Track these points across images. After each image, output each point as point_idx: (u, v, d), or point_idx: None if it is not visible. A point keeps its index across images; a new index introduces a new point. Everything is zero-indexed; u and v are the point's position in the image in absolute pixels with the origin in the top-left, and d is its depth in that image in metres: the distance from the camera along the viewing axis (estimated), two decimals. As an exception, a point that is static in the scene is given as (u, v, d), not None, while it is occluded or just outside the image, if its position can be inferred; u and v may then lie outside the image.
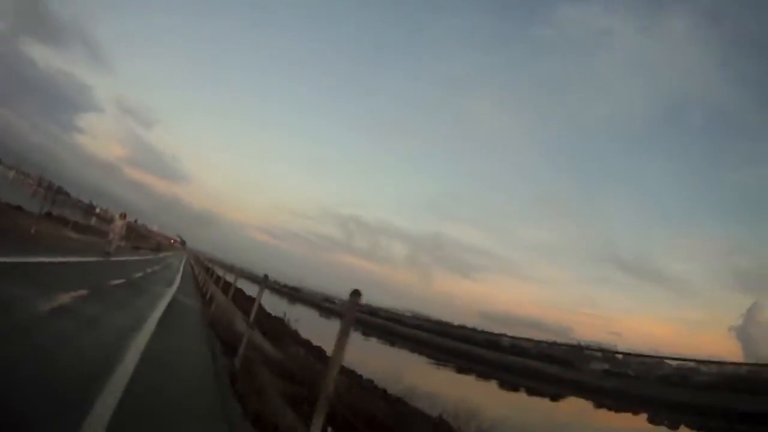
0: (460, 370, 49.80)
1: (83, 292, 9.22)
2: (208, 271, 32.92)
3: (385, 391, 20.97)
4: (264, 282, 10.13)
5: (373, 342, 60.48)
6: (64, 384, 4.02)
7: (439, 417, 13.48)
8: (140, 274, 17.99)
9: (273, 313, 34.73)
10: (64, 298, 8.03)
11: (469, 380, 47.41)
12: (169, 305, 12.76)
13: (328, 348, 26.75)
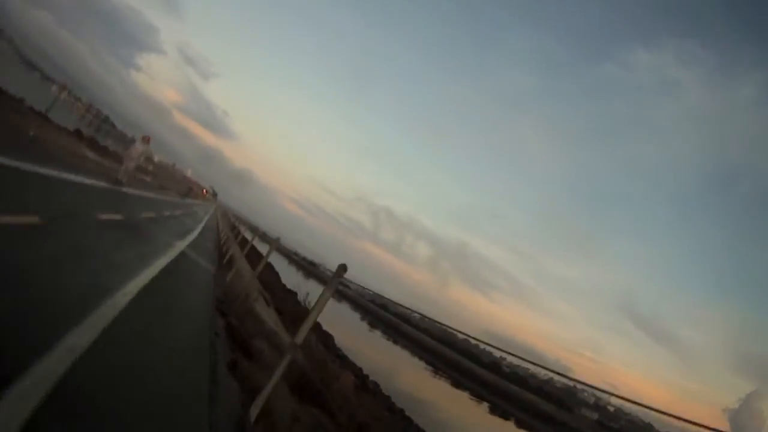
0: (456, 385, 49.91)
1: (46, 217, 6.67)
2: (234, 230, 32.87)
3: (389, 398, 20.92)
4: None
5: (377, 335, 63.14)
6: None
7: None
8: (151, 215, 15.73)
9: (287, 285, 34.66)
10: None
11: (462, 396, 46.85)
12: (173, 264, 10.21)
13: (338, 336, 27.62)
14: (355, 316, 74.30)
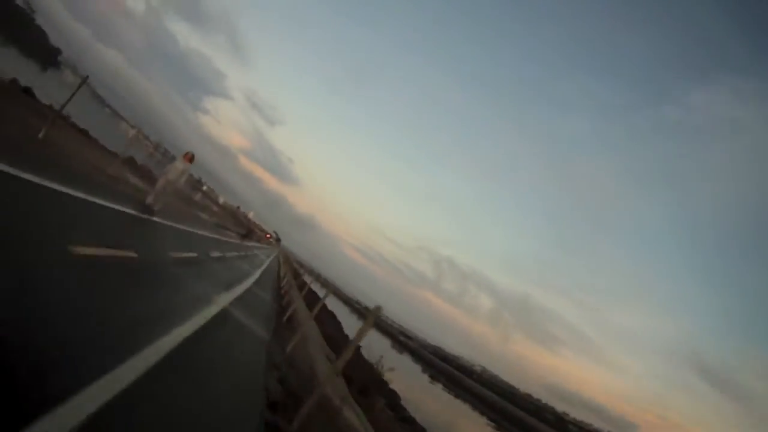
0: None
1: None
2: (297, 277, 29.15)
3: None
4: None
5: (438, 388, 59.34)
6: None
7: None
8: (186, 255, 10.85)
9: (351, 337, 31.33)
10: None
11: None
12: (202, 332, 6.28)
13: (400, 388, 25.47)
14: (416, 369, 70.84)
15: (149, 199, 12.39)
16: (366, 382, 17.25)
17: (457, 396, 64.51)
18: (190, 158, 13.39)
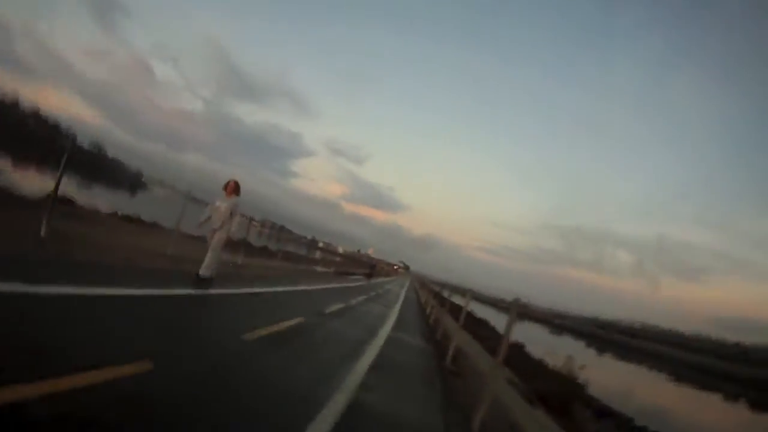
0: (705, 388, 43.66)
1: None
2: (436, 296, 25.05)
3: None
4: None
5: (607, 358, 56.00)
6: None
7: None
8: (291, 322, 7.83)
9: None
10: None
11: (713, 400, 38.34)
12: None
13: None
14: (580, 345, 63.89)
15: (203, 269, 8.49)
16: (556, 394, 12.42)
17: (629, 360, 60.17)
18: (233, 188, 9.05)
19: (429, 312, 20.69)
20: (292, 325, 7.69)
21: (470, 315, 18.98)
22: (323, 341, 7.53)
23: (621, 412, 16.71)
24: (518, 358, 22.33)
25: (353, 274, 37.81)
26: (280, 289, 12.19)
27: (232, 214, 8.76)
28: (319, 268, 27.22)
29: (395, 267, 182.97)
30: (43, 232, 7.48)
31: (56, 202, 8.39)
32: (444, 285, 24.92)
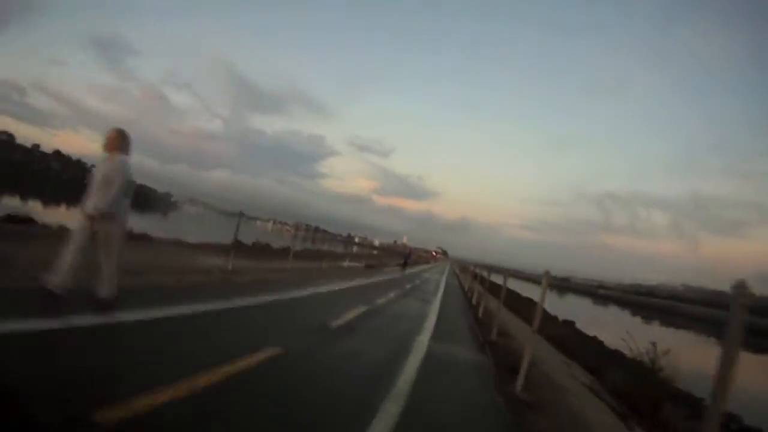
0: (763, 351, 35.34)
1: None
2: (476, 278, 21.66)
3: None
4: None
5: (655, 326, 46.78)
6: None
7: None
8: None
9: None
10: None
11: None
12: None
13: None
14: (626, 315, 60.06)
15: (103, 287, 5.10)
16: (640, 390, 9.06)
17: (676, 327, 53.55)
18: (114, 142, 5.01)
19: (476, 301, 17.20)
20: (254, 365, 4.40)
21: (513, 293, 15.49)
22: (303, 391, 4.17)
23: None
24: (573, 339, 18.77)
25: (387, 265, 34.47)
26: (272, 298, 8.87)
27: (117, 185, 4.83)
28: (347, 263, 24.00)
29: (433, 253, 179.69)
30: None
31: None
32: (484, 266, 21.51)
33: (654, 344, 11.28)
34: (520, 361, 6.27)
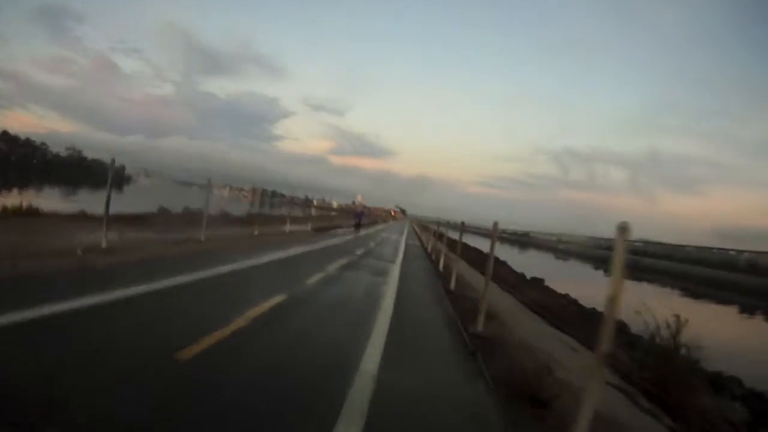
0: (723, 302, 39.41)
1: None
2: (439, 237, 18.45)
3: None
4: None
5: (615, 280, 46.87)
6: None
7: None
8: None
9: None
10: None
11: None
12: None
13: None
14: (587, 269, 60.65)
15: None
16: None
17: (639, 280, 54.29)
18: None
19: (445, 268, 13.79)
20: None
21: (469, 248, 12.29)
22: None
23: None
24: (553, 304, 16.12)
25: (340, 227, 30.64)
26: (124, 293, 5.06)
27: None
28: (288, 228, 20.03)
29: (392, 212, 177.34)
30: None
31: None
32: (442, 224, 18.25)
33: (677, 317, 8.31)
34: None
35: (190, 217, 19.75)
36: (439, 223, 21.22)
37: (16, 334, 3.56)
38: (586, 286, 32.63)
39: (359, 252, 15.30)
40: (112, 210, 9.35)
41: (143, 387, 2.92)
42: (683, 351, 7.57)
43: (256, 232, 16.00)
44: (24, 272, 5.64)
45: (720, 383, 9.44)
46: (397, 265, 13.64)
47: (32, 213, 12.27)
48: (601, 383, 2.90)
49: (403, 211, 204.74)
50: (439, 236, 20.61)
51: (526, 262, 37.13)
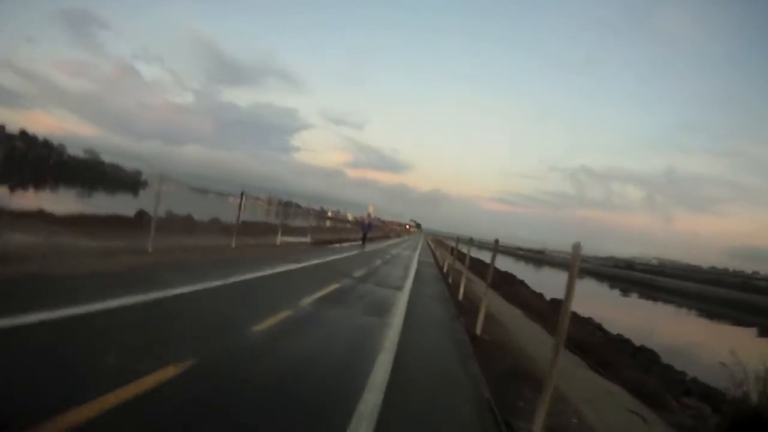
0: (739, 323, 38.80)
1: None
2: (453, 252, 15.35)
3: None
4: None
5: (633, 298, 51.38)
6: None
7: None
8: None
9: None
10: None
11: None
12: None
13: (593, 312, 20.56)
14: (603, 288, 61.27)
15: None
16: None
17: (655, 300, 55.64)
18: None
19: (468, 299, 10.54)
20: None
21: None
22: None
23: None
24: (582, 330, 13.55)
25: (345, 240, 27.36)
26: None
27: None
28: (279, 239, 16.93)
29: (407, 226, 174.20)
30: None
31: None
32: (462, 241, 15.09)
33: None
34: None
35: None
36: (458, 240, 17.84)
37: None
38: (605, 307, 30.81)
39: (358, 273, 11.98)
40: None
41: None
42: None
43: (233, 244, 12.88)
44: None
45: None
46: (405, 293, 10.30)
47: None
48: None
49: (418, 226, 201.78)
50: (459, 256, 17.36)
51: (543, 281, 35.42)
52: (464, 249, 15.47)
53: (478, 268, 24.45)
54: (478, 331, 7.32)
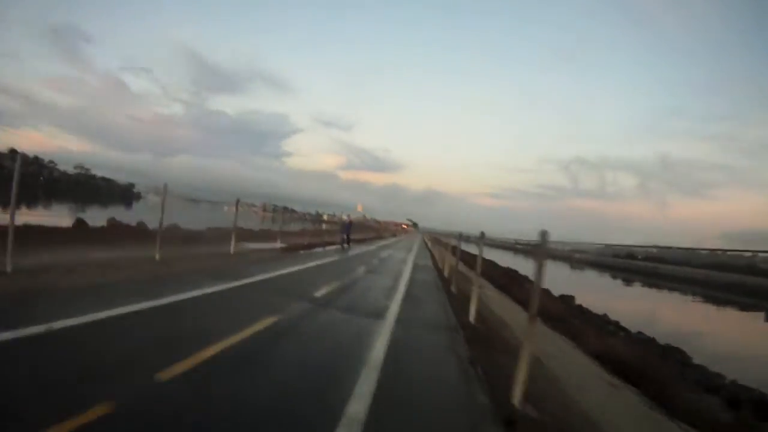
0: (745, 308, 36.98)
1: None
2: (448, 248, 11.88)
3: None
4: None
5: (637, 288, 49.01)
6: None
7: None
8: None
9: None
10: None
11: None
12: None
13: (588, 300, 19.60)
14: (605, 278, 58.23)
15: None
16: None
17: (659, 288, 51.70)
18: None
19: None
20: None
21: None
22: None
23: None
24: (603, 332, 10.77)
25: (327, 244, 23.49)
26: None
27: None
28: (233, 248, 13.26)
29: (403, 225, 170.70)
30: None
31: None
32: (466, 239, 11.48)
33: None
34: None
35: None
36: (460, 236, 14.09)
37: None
38: (615, 300, 29.08)
39: (323, 291, 8.27)
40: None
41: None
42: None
43: (158, 256, 9.25)
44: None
45: None
46: (388, 322, 6.59)
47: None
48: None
49: (414, 225, 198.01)
50: (462, 257, 13.74)
51: (545, 275, 32.45)
52: (467, 248, 11.86)
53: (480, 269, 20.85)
54: (516, 396, 3.72)
